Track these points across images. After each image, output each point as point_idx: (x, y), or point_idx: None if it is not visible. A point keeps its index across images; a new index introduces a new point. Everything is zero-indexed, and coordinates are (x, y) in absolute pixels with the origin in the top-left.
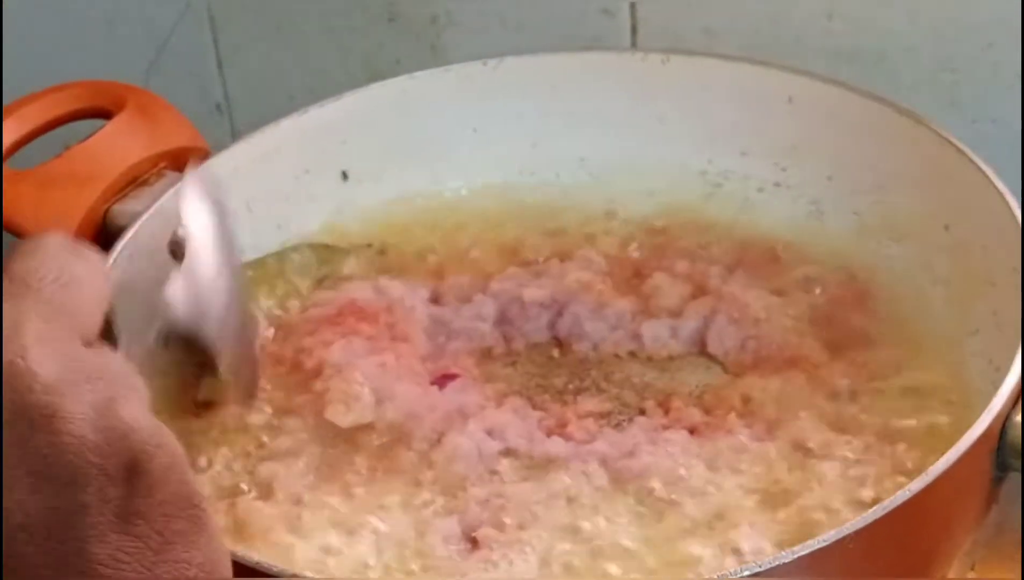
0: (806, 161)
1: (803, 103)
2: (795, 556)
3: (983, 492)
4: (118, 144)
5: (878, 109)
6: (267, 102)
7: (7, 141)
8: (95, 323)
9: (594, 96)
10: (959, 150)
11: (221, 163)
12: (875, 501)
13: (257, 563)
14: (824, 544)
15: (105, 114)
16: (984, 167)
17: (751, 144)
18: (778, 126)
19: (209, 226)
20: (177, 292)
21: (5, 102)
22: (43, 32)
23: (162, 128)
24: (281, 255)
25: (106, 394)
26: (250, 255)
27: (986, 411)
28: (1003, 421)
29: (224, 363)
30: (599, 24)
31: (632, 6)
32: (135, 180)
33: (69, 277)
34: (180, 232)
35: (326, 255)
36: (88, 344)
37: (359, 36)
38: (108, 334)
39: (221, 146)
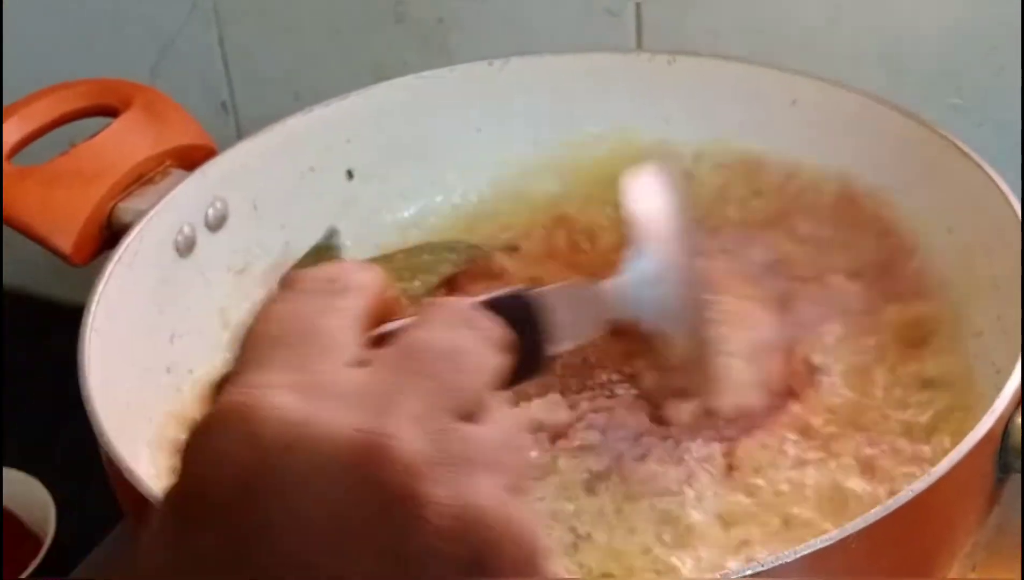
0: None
1: (807, 105)
2: (797, 556)
3: (985, 493)
4: (124, 142)
5: (882, 112)
6: (272, 101)
7: (13, 138)
8: (478, 396)
9: (600, 97)
10: (963, 153)
11: (227, 161)
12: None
13: None
14: (827, 544)
15: (111, 112)
16: (988, 170)
17: (755, 146)
18: (782, 128)
19: (660, 216)
20: (626, 283)
21: (12, 100)
22: (50, 30)
23: (168, 126)
24: (410, 252)
25: (468, 477)
26: (255, 253)
27: (988, 413)
28: (1005, 423)
29: (681, 353)
30: (604, 25)
31: (638, 7)
32: (141, 178)
33: (454, 349)
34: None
35: (469, 252)
36: (467, 417)
37: (365, 36)
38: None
39: (227, 145)
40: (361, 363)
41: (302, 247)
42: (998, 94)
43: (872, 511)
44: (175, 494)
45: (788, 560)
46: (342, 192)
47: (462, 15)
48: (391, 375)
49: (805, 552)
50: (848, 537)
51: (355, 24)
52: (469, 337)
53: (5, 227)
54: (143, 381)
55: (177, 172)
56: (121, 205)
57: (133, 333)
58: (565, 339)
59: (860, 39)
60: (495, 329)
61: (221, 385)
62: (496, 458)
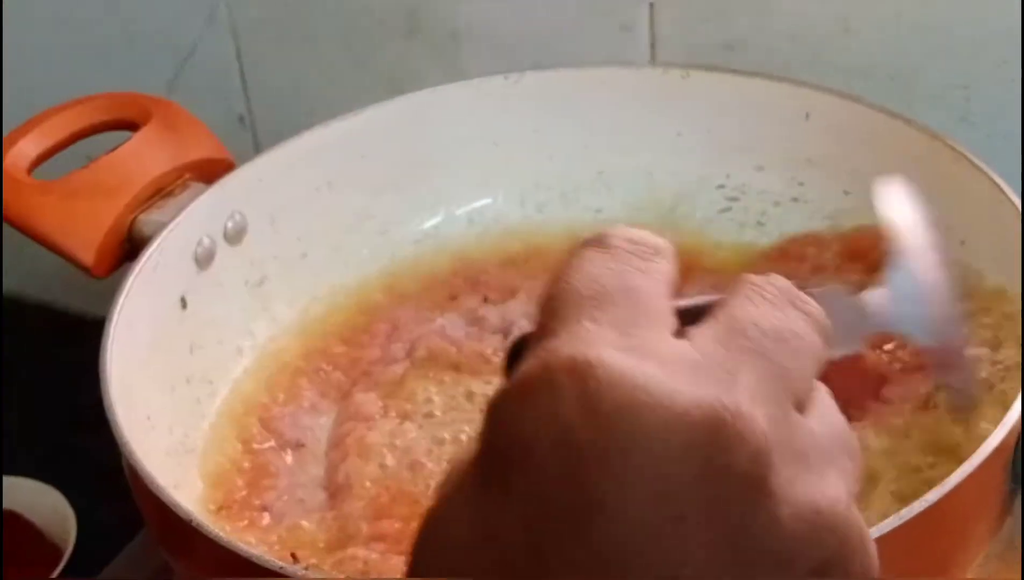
0: (823, 176)
1: (820, 119)
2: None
3: (997, 504)
4: (144, 156)
5: (894, 125)
6: (289, 114)
7: (34, 152)
8: (809, 385)
9: (613, 111)
10: (974, 165)
11: (245, 175)
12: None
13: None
14: None
15: (131, 126)
16: (1000, 182)
17: (768, 159)
18: (795, 141)
19: (915, 227)
20: (885, 296)
21: (32, 114)
22: (68, 45)
23: (187, 140)
24: None
25: (818, 475)
26: (272, 266)
27: (1001, 424)
28: (1018, 434)
29: (940, 368)
30: (618, 39)
31: (651, 22)
32: (160, 191)
33: (788, 331)
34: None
35: None
36: (800, 408)
37: (380, 49)
38: None
39: (244, 158)
40: (679, 334)
41: (319, 260)
42: (1008, 107)
43: (885, 521)
44: (483, 460)
45: None
46: (358, 206)
47: (476, 28)
48: (722, 350)
49: None
50: None
51: (369, 37)
52: (800, 319)
53: (23, 238)
54: (163, 392)
55: (196, 185)
56: (141, 218)
57: (153, 344)
58: (834, 347)
59: (872, 53)
60: (821, 313)
61: (519, 349)
62: (834, 456)
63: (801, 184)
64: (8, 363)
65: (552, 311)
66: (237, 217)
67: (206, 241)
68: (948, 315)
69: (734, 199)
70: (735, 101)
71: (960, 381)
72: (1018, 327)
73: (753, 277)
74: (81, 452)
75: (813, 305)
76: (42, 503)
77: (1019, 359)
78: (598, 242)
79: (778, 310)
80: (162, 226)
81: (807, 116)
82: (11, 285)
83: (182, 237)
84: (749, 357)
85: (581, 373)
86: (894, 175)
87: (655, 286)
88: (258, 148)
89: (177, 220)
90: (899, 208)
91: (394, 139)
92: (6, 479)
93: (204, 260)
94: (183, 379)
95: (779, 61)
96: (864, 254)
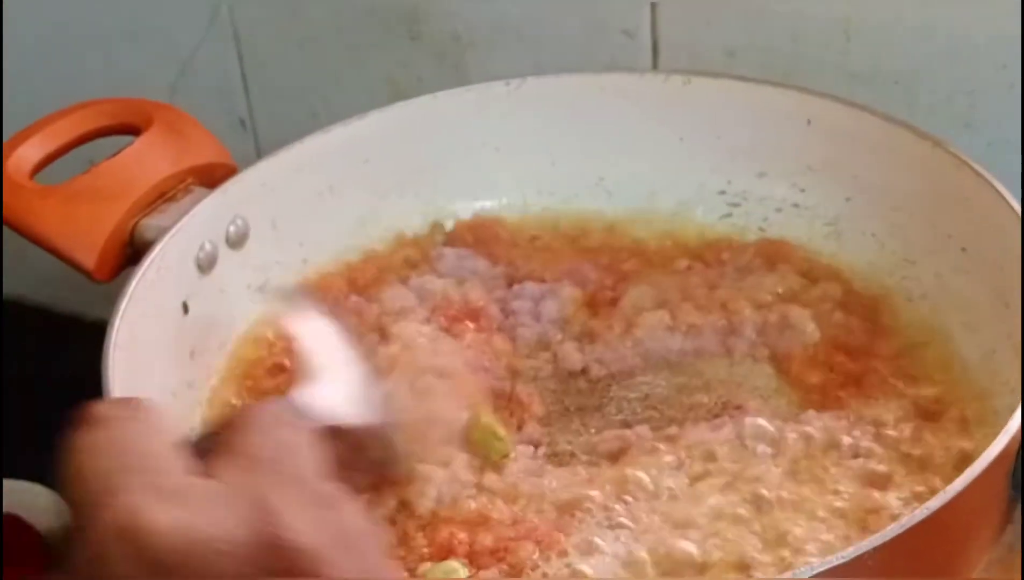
0: (824, 182)
1: (821, 125)
2: (813, 572)
3: (999, 512)
4: (146, 160)
5: (895, 131)
6: (290, 118)
7: (36, 157)
8: (322, 485)
9: (615, 116)
10: (976, 172)
11: (247, 179)
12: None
13: None
14: (842, 561)
15: (133, 130)
16: (1001, 189)
17: (770, 165)
18: (797, 147)
19: (322, 333)
20: (315, 398)
21: (33, 119)
22: (70, 49)
23: (189, 144)
24: None
25: (362, 558)
26: (274, 270)
27: (1003, 432)
28: (1018, 443)
29: (384, 442)
30: (620, 45)
31: (653, 27)
32: (162, 195)
33: (284, 446)
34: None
35: None
36: (323, 506)
37: (381, 54)
38: None
39: (246, 162)
40: (201, 474)
41: (320, 264)
42: (1010, 113)
43: (888, 528)
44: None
45: (803, 577)
46: (360, 211)
47: (478, 33)
48: (240, 477)
49: (821, 568)
50: (864, 554)
51: (371, 41)
52: (294, 434)
53: (19, 239)
54: (164, 397)
55: (198, 190)
56: (143, 222)
57: (155, 349)
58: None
59: (874, 58)
60: (305, 422)
61: (63, 541)
62: (368, 539)
63: (802, 190)
64: (8, 366)
65: (79, 493)
66: (239, 222)
67: (208, 246)
68: (368, 398)
69: (735, 205)
70: (737, 107)
71: (389, 451)
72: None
73: (239, 411)
74: None
75: (298, 422)
76: (42, 506)
77: None
78: (94, 418)
79: (270, 433)
80: (164, 231)
81: (809, 122)
82: (12, 288)
83: (184, 242)
84: (265, 478)
85: (129, 535)
86: (895, 181)
87: (163, 440)
88: (260, 152)
89: (179, 225)
90: (305, 332)
91: (396, 144)
92: (6, 482)
93: (206, 265)
94: (185, 384)
95: (781, 67)
96: (779, 261)
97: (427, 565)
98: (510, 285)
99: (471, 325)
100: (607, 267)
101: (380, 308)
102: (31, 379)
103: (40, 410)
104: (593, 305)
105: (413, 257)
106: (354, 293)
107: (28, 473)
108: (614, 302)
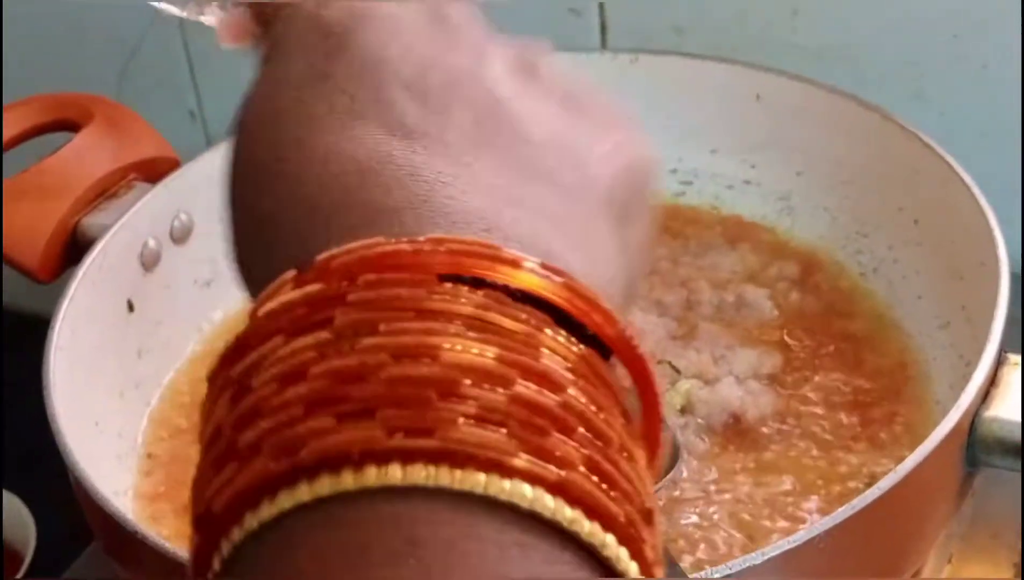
0: (775, 158)
1: (771, 100)
2: (765, 558)
3: (954, 488)
4: (86, 156)
5: (845, 105)
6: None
7: None
8: None
9: None
10: (926, 145)
11: (190, 173)
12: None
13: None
14: (794, 545)
15: (72, 127)
16: (951, 161)
17: (720, 142)
18: (747, 124)
19: None
20: None
21: None
22: (13, 45)
23: (131, 139)
24: None
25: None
26: (221, 265)
27: (955, 408)
28: (972, 417)
29: None
30: (568, 24)
31: (601, 6)
32: (104, 192)
33: None
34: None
35: None
36: None
37: None
38: None
39: (197, 153)
40: None
41: None
42: (961, 83)
43: (839, 510)
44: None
45: (756, 562)
46: None
47: None
48: None
49: (773, 553)
50: (816, 537)
51: None
52: None
53: None
54: (111, 397)
55: (141, 185)
56: (85, 220)
57: (101, 349)
58: None
59: (822, 32)
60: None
61: None
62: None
63: (753, 166)
64: None
65: None
66: (183, 217)
67: (152, 243)
68: None
69: (687, 183)
70: (685, 84)
71: None
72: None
73: None
74: (39, 458)
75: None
76: (2, 509)
77: None
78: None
79: None
80: (106, 228)
81: (757, 97)
82: None
83: (127, 239)
84: None
85: None
86: (846, 154)
87: None
88: (210, 142)
89: (121, 222)
90: None
91: None
92: None
93: (150, 262)
94: (132, 384)
95: (729, 43)
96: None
97: None
98: None
99: None
100: None
101: None
102: None
103: None
104: None
105: None
106: None
107: None
108: None
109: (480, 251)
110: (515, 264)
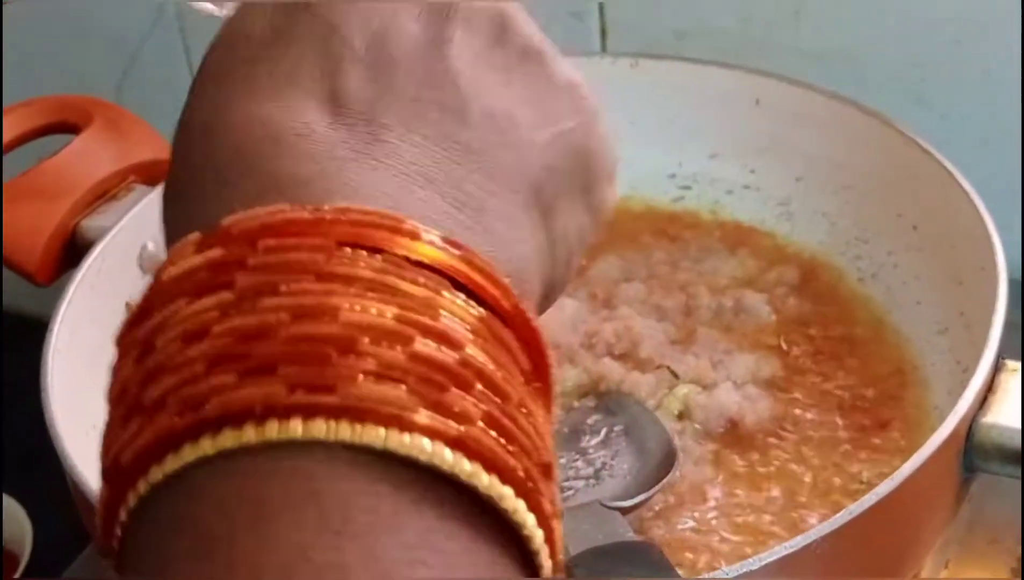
0: (775, 163)
1: (771, 105)
2: (762, 563)
3: (951, 493)
4: (86, 159)
5: (845, 110)
6: None
7: None
8: None
9: None
10: (925, 150)
11: None
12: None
13: None
14: (792, 550)
15: (73, 129)
16: (951, 167)
17: (720, 147)
18: (747, 128)
19: None
20: None
21: None
22: (14, 47)
23: (130, 142)
24: None
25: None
26: None
27: (952, 414)
28: (969, 423)
29: None
30: (568, 28)
31: (601, 9)
32: (104, 194)
33: None
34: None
35: None
36: None
37: None
38: None
39: None
40: None
41: None
42: (962, 87)
43: (836, 516)
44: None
45: (753, 567)
46: None
47: None
48: None
49: (770, 559)
50: (813, 543)
51: None
52: None
53: None
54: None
55: (140, 188)
56: (84, 223)
57: (99, 352)
58: None
59: (824, 37)
60: None
61: None
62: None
63: (753, 171)
64: None
65: None
66: None
67: (151, 246)
68: None
69: (687, 188)
70: (686, 89)
71: None
72: (975, 322)
73: None
74: (37, 460)
75: None
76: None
77: None
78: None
79: None
80: (105, 231)
81: (757, 102)
82: None
83: (126, 242)
84: None
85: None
86: (845, 160)
87: None
88: None
89: (120, 224)
90: None
91: None
92: None
93: (149, 265)
94: None
95: (731, 48)
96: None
97: None
98: None
99: None
100: None
101: None
102: None
103: None
104: None
105: None
106: None
107: None
108: (580, 272)
109: (381, 222)
110: (414, 236)
